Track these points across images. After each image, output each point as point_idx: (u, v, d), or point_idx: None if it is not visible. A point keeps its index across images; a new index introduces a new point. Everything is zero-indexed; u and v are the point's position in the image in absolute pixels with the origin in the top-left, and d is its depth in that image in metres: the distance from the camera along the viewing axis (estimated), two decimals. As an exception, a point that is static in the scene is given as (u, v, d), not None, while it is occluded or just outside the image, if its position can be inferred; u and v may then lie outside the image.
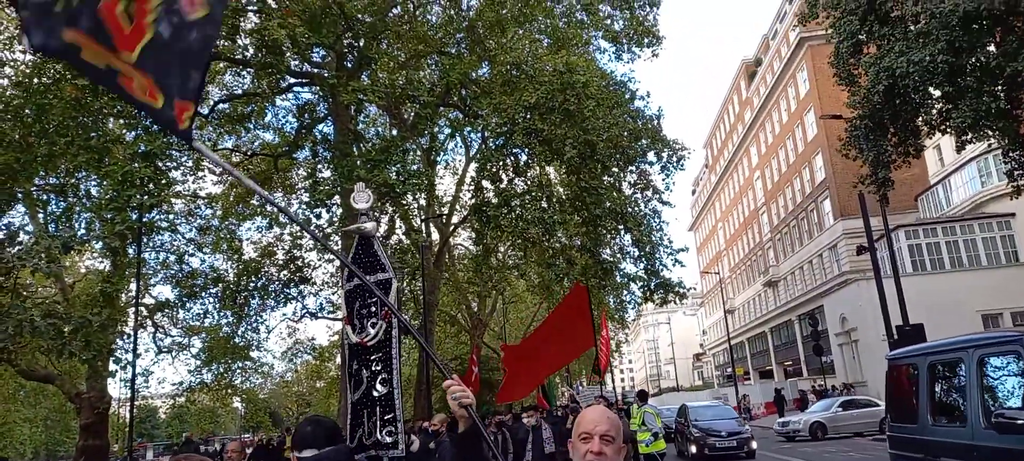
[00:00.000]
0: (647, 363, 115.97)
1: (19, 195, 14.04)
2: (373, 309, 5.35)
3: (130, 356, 15.57)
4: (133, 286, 15.71)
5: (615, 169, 18.27)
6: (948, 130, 16.56)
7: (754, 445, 18.04)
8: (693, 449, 18.11)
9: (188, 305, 19.44)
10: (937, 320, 23.45)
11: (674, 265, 18.64)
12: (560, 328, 14.22)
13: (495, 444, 8.68)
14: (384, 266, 5.46)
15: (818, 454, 18.17)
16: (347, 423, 4.90)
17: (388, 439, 4.95)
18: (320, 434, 2.84)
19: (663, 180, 21.67)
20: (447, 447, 7.79)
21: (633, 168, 19.41)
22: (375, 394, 4.92)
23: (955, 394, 6.18)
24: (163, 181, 13.14)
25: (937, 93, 16.22)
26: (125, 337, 16.30)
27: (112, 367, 16.61)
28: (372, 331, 5.24)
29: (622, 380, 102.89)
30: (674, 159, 18.63)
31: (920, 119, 17.17)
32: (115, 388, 29.16)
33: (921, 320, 20.33)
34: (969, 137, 15.90)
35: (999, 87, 14.74)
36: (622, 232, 18.40)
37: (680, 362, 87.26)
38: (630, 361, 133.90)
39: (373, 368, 5.21)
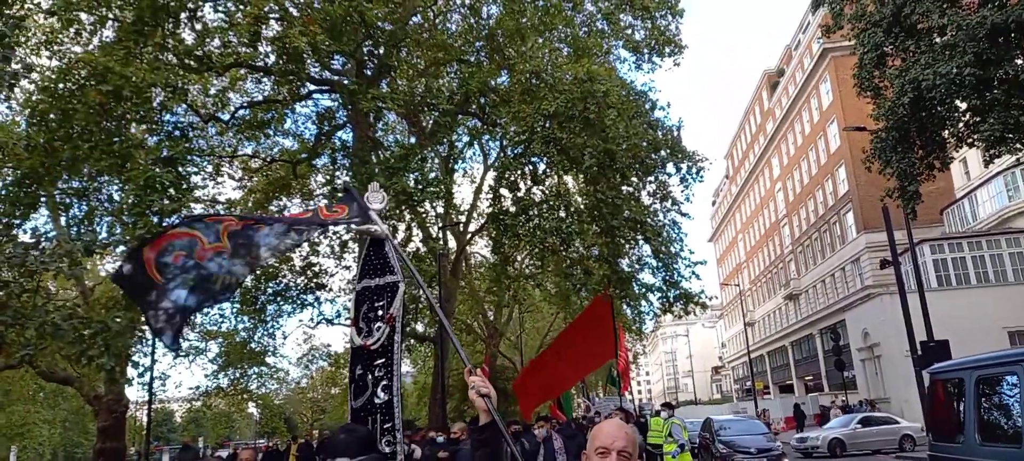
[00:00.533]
0: (664, 376, 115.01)
1: (42, 199, 14.21)
2: (379, 312, 5.19)
3: (148, 361, 15.72)
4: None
5: (634, 179, 18.12)
6: (975, 143, 16.22)
7: None
8: None
9: (206, 310, 19.55)
10: (962, 337, 22.95)
11: (691, 277, 18.44)
12: (581, 339, 14.05)
13: (507, 455, 8.60)
14: (392, 268, 5.24)
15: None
16: None
17: (387, 449, 4.74)
18: (352, 442, 2.85)
19: (682, 191, 21.46)
20: (465, 454, 7.70)
21: (652, 178, 19.24)
22: (376, 401, 4.82)
23: (1007, 411, 5.81)
24: (184, 186, 13.23)
25: (963, 106, 15.92)
26: (144, 341, 16.43)
27: (130, 372, 16.72)
28: (376, 335, 5.09)
29: (639, 392, 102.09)
30: (694, 170, 18.44)
31: (946, 132, 16.86)
32: (133, 391, 29.46)
33: (946, 336, 19.91)
34: (997, 151, 15.57)
35: (1029, 100, 14.44)
36: (640, 242, 18.21)
37: (698, 375, 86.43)
38: (647, 373, 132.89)
39: (376, 374, 5.06)
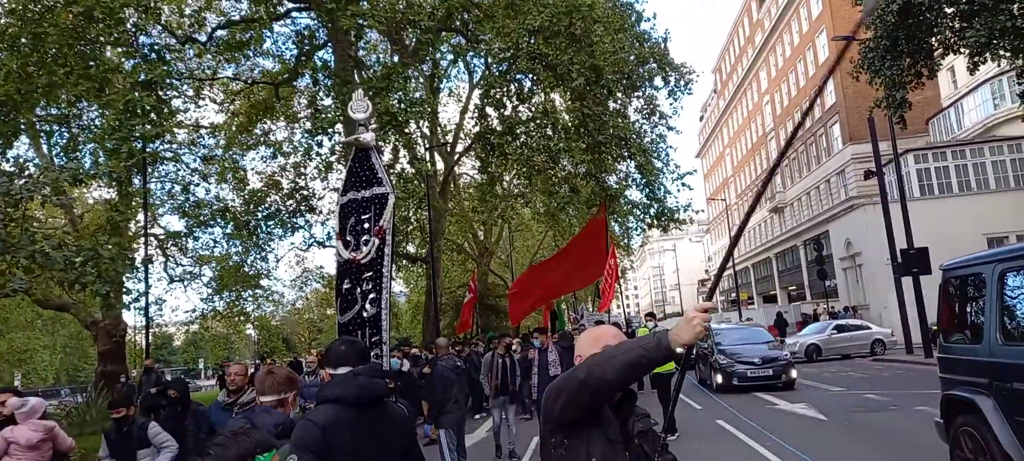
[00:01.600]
0: (652, 289, 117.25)
1: (22, 126, 14.01)
2: (367, 225, 5.11)
3: (142, 286, 15.89)
4: (141, 216, 15.86)
5: (620, 95, 18.01)
6: (962, 50, 16.13)
7: (794, 374, 15.37)
8: (719, 379, 15.60)
9: (197, 235, 19.64)
10: (942, 243, 23.44)
11: (680, 190, 18.69)
12: (577, 255, 14.24)
13: (503, 367, 8.79)
14: (380, 180, 5.19)
15: (819, 373, 18.54)
16: None
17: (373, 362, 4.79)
18: (353, 353, 2.89)
19: (670, 105, 21.30)
20: (442, 369, 7.99)
21: (639, 93, 19.13)
22: (365, 315, 4.72)
23: None
24: (165, 110, 13.06)
25: (951, 10, 15.76)
26: (136, 268, 16.56)
27: (125, 298, 16.92)
28: (364, 249, 5.01)
29: (627, 306, 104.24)
30: (682, 83, 18.34)
31: (934, 38, 16.73)
32: (130, 316, 29.83)
33: (926, 244, 20.41)
34: (983, 57, 15.51)
35: (1015, 5, 14.29)
36: (627, 158, 18.28)
37: (685, 288, 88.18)
38: (635, 287, 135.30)
39: (364, 287, 4.99)
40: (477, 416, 13.60)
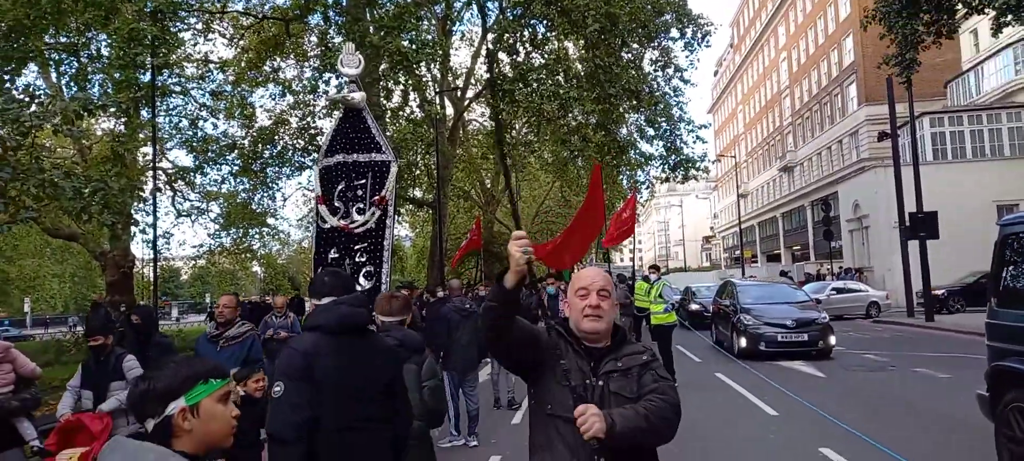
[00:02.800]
0: (656, 244, 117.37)
1: (32, 53, 13.88)
2: (360, 192, 4.70)
3: (150, 219, 15.96)
4: (148, 149, 15.83)
5: (635, 45, 17.69)
6: (986, 10, 15.70)
7: (832, 340, 13.14)
8: (742, 342, 13.24)
9: (206, 171, 19.64)
10: (951, 209, 23.36)
11: (695, 141, 18.50)
12: (586, 212, 13.65)
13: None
14: (380, 146, 4.75)
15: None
16: None
17: None
18: (338, 284, 2.93)
19: (686, 57, 20.84)
20: (446, 310, 8.01)
21: (655, 44, 18.78)
22: (357, 289, 4.23)
23: None
24: (171, 41, 12.90)
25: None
26: (144, 200, 16.61)
27: (133, 229, 17.02)
28: (359, 217, 4.62)
29: (631, 259, 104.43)
30: (699, 35, 18.00)
31: (959, -3, 16.29)
32: (138, 248, 30.10)
33: (936, 208, 20.29)
34: (1007, 19, 15.12)
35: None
36: (638, 110, 18.06)
37: (689, 244, 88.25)
38: (640, 241, 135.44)
39: (357, 259, 4.60)
40: (483, 361, 13.59)
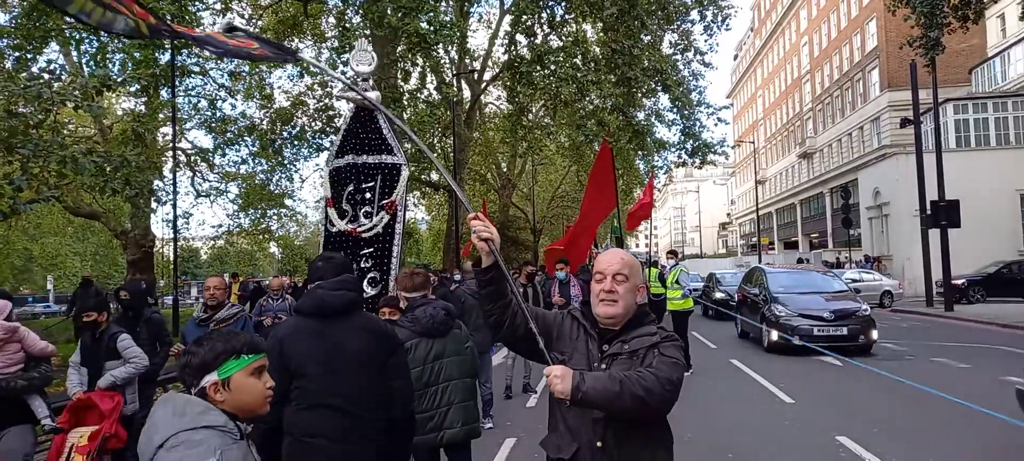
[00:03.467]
0: (672, 230, 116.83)
1: (52, 32, 14.01)
2: (368, 195, 4.54)
3: (170, 198, 16.12)
4: (168, 128, 15.96)
5: (654, 27, 17.52)
6: (1017, -6, 15.32)
7: (875, 334, 11.92)
8: (773, 336, 12.13)
9: (225, 152, 19.78)
10: (973, 197, 22.98)
11: (716, 125, 18.39)
12: (595, 193, 13.23)
13: (524, 297, 8.79)
14: (391, 148, 4.58)
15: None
16: None
17: None
18: (328, 269, 3.04)
19: (706, 40, 20.55)
20: (460, 292, 8.01)
21: (673, 27, 18.59)
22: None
23: None
24: (189, 20, 12.96)
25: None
26: (164, 179, 16.78)
27: (154, 205, 17.21)
28: (367, 222, 4.47)
29: (647, 244, 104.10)
30: (719, 18, 17.80)
31: (988, -19, 15.90)
32: (158, 227, 30.43)
33: (958, 196, 19.97)
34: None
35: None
36: (659, 93, 17.91)
37: (705, 230, 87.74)
38: (656, 227, 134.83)
39: (362, 265, 4.46)
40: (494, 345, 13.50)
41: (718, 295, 19.97)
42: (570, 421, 2.19)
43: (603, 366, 2.18)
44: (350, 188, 4.55)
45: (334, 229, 4.52)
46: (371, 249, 4.47)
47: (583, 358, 2.22)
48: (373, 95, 4.56)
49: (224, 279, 4.76)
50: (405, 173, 4.61)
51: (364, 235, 4.44)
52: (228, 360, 1.73)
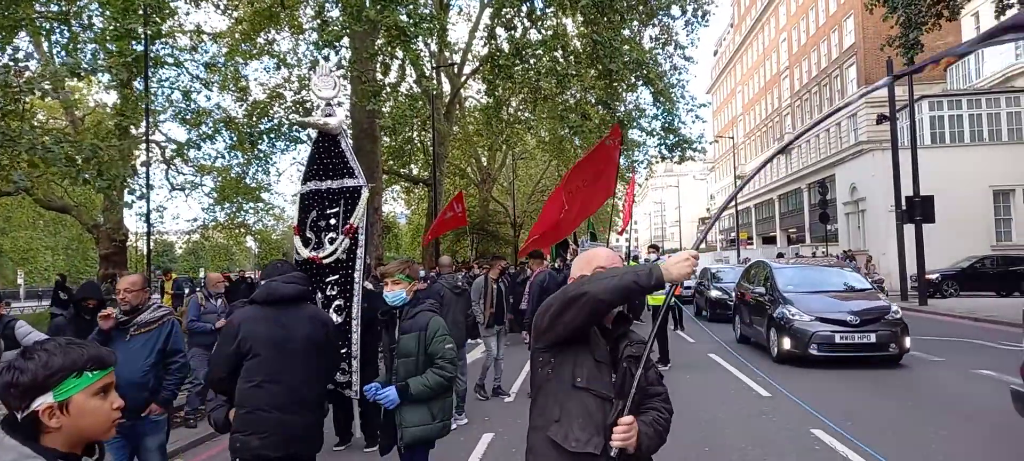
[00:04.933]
0: (652, 225, 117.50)
1: (22, 22, 13.66)
2: (332, 221, 4.43)
3: (144, 190, 15.83)
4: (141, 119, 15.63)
5: (635, 22, 17.52)
6: (991, -7, 15.57)
7: (908, 342, 10.16)
8: (785, 344, 10.39)
9: (200, 146, 19.44)
10: (948, 193, 23.33)
11: (694, 121, 18.43)
12: (590, 176, 12.23)
13: (498, 293, 8.65)
14: (352, 171, 4.50)
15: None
16: None
17: (341, 377, 4.26)
18: (282, 268, 3.62)
19: (687, 35, 20.53)
20: (438, 287, 7.91)
21: (655, 22, 18.60)
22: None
23: None
24: (164, 8, 12.69)
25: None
26: (136, 173, 16.45)
27: (128, 198, 16.89)
28: (329, 247, 4.38)
29: (627, 239, 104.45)
30: (699, 13, 17.82)
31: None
32: (131, 220, 29.94)
33: (933, 192, 20.28)
34: (1011, 1, 15.00)
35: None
36: (639, 87, 17.91)
37: (685, 225, 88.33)
38: (635, 221, 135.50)
39: (328, 292, 4.38)
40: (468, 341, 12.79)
41: (714, 293, 18.11)
42: (596, 415, 2.13)
43: (624, 365, 2.18)
44: (313, 215, 4.48)
45: (300, 257, 4.47)
46: (335, 276, 4.38)
47: (606, 353, 2.21)
48: (335, 121, 4.51)
49: (143, 277, 4.47)
50: (365, 194, 4.51)
51: (327, 261, 4.36)
52: (68, 378, 1.39)
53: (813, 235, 40.70)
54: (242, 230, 26.38)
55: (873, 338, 9.94)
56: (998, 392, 8.35)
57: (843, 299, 10.86)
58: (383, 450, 3.80)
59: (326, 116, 4.54)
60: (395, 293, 3.64)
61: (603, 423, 2.10)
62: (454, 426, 7.29)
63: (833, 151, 41.50)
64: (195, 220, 24.05)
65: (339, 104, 4.85)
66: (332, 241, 4.41)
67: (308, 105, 19.06)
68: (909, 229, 20.17)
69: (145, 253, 17.79)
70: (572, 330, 2.12)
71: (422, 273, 13.88)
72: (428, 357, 3.60)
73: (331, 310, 4.36)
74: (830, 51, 43.45)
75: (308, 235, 4.49)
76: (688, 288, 19.49)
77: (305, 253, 4.43)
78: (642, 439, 2.08)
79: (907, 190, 20.16)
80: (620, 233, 17.80)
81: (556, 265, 13.16)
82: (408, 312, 3.67)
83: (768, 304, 11.42)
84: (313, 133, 4.90)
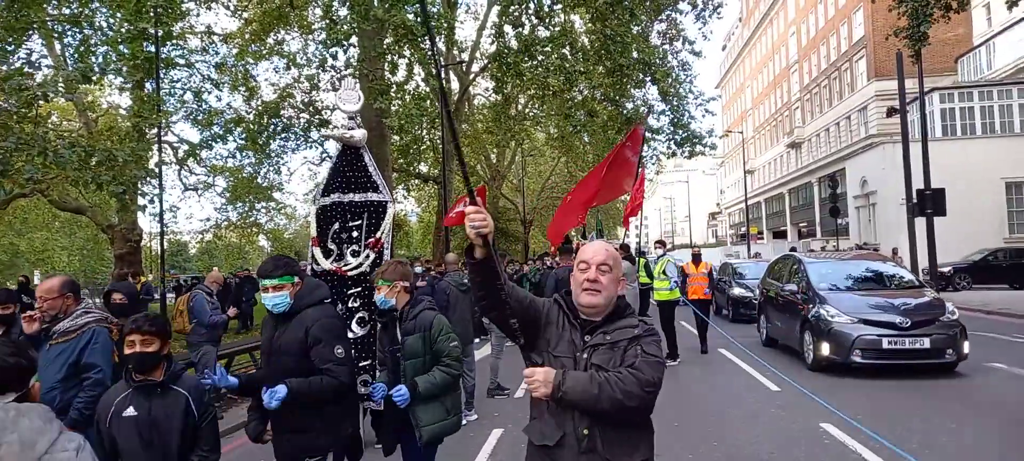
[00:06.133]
0: (662, 221, 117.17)
1: (34, 25, 13.82)
2: (355, 234, 4.50)
3: (156, 192, 15.98)
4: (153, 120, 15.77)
5: (644, 18, 17.49)
6: (1002, -16, 15.41)
7: (966, 348, 8.98)
8: (824, 348, 9.16)
9: (212, 146, 19.59)
10: (959, 186, 23.16)
11: (704, 116, 18.35)
12: (611, 167, 12.15)
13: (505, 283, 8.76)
14: (377, 186, 4.56)
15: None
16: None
17: (362, 390, 4.22)
18: (278, 264, 3.53)
19: (698, 29, 20.42)
20: (444, 285, 7.96)
21: (663, 18, 18.58)
22: (350, 336, 4.14)
23: None
24: (174, 10, 12.81)
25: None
26: (150, 175, 16.60)
27: (141, 201, 17.07)
28: (353, 260, 4.44)
29: (637, 235, 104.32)
30: (710, 6, 17.80)
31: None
32: (145, 221, 30.22)
33: (944, 185, 20.14)
34: (1023, -7, 14.83)
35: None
36: (648, 84, 17.89)
37: (695, 220, 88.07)
38: (646, 217, 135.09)
39: (350, 304, 4.41)
40: (483, 338, 12.74)
41: (736, 291, 16.89)
42: (554, 409, 2.20)
43: (585, 355, 2.20)
44: (335, 226, 4.52)
45: (319, 268, 4.49)
46: (358, 288, 4.42)
47: (568, 347, 2.24)
48: (359, 134, 4.56)
49: (65, 281, 3.97)
50: (391, 210, 4.59)
51: (350, 274, 4.41)
52: None
53: (824, 229, 40.50)
54: (255, 229, 26.58)
55: (927, 343, 8.68)
56: (1011, 384, 8.34)
57: (889, 297, 9.56)
58: (387, 450, 3.87)
59: (350, 130, 4.59)
60: (379, 297, 3.79)
61: (564, 416, 2.17)
62: (464, 422, 7.38)
63: (843, 145, 41.27)
64: (208, 220, 24.27)
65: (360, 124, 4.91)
66: (355, 254, 4.46)
67: (318, 104, 19.23)
68: (920, 222, 20.04)
69: (159, 253, 18.00)
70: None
71: (419, 269, 13.91)
72: (434, 355, 3.71)
73: (354, 322, 4.40)
74: (840, 44, 43.17)
75: (330, 247, 4.52)
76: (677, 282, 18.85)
77: (326, 264, 4.45)
78: (569, 384, 2.09)
79: (918, 183, 20.03)
80: (625, 225, 17.53)
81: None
82: (409, 313, 3.76)
83: (801, 303, 10.15)
84: (333, 145, 4.95)
